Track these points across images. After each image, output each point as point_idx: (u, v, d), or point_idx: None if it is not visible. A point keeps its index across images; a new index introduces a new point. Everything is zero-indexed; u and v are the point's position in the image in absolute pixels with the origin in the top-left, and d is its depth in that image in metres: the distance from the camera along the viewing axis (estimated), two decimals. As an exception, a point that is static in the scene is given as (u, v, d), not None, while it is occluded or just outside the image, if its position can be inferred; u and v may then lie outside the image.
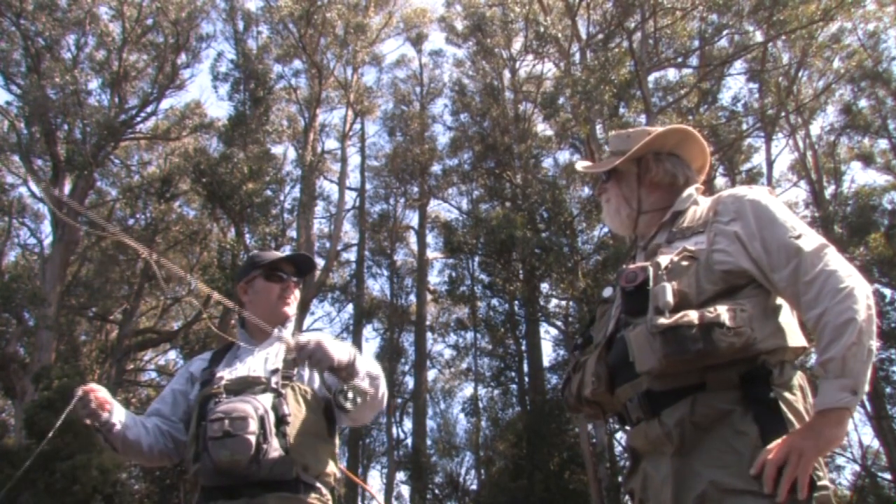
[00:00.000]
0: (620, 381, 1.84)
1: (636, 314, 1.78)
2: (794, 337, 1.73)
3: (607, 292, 2.04)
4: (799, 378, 1.75)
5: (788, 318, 1.75)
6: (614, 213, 2.17)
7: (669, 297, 1.71)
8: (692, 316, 1.65)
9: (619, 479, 15.69)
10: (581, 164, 2.41)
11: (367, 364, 2.43)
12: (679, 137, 2.15)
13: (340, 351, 2.31)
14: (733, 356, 1.64)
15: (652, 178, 2.11)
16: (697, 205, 2.02)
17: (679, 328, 1.64)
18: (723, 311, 1.64)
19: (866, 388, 1.59)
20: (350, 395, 2.30)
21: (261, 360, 2.52)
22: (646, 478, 1.83)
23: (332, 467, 2.42)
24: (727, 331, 1.62)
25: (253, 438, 2.20)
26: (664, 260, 1.82)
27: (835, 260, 1.69)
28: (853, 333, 1.57)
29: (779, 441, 1.57)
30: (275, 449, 2.24)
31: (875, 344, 1.60)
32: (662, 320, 1.67)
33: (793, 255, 1.71)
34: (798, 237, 1.74)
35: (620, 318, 1.89)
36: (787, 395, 1.69)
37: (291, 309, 2.68)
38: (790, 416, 1.65)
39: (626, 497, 2.07)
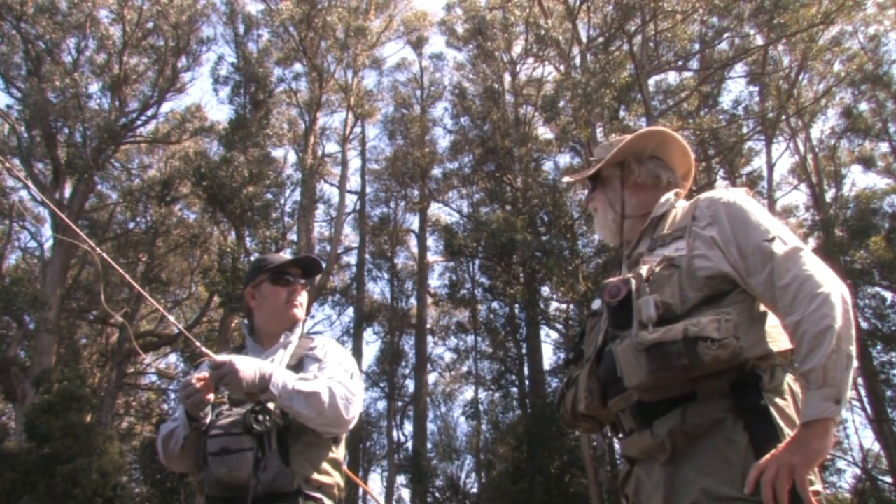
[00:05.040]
0: (612, 394, 1.84)
1: (622, 327, 1.78)
2: (784, 340, 1.71)
3: (596, 304, 2.03)
4: (790, 381, 1.74)
5: (777, 321, 1.73)
6: (602, 220, 2.19)
7: (652, 311, 1.71)
8: (676, 330, 1.64)
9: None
10: (566, 178, 2.41)
11: (297, 384, 2.29)
12: (659, 140, 2.16)
13: (252, 373, 2.22)
14: (720, 367, 1.63)
15: (635, 180, 2.12)
16: (676, 209, 2.02)
17: (663, 344, 1.63)
18: (707, 324, 1.63)
19: (849, 395, 1.57)
20: (260, 417, 2.22)
21: None
22: (638, 482, 1.83)
23: (336, 477, 2.41)
24: (712, 344, 1.60)
25: (250, 455, 2.22)
26: (646, 270, 1.82)
27: (810, 263, 1.66)
28: (832, 341, 1.55)
29: (767, 457, 1.55)
30: (275, 461, 2.25)
31: (854, 349, 1.58)
32: (646, 336, 1.67)
33: (768, 259, 1.70)
34: (772, 240, 1.72)
35: (608, 331, 1.88)
36: (778, 400, 1.68)
37: (300, 312, 2.67)
38: (781, 422, 1.64)
39: (624, 501, 2.09)
